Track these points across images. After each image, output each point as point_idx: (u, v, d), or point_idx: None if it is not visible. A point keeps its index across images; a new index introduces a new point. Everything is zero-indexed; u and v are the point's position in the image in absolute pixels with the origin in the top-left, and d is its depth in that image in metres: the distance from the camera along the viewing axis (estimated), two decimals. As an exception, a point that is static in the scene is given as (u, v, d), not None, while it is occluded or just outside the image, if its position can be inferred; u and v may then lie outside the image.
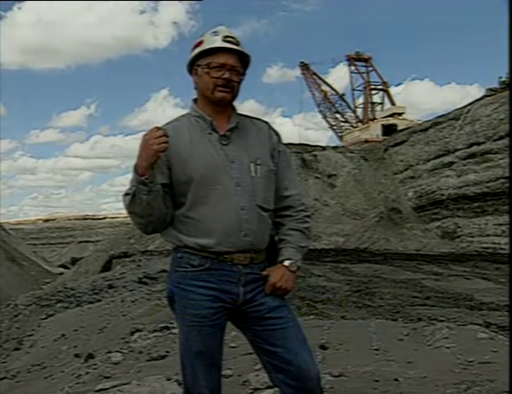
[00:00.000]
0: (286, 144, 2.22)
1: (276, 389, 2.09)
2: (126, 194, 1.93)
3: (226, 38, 2.00)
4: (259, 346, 2.04)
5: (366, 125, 50.22)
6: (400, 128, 40.68)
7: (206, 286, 1.97)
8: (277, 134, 2.16)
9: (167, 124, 2.08)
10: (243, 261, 1.99)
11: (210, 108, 2.05)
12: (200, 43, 2.04)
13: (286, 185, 2.12)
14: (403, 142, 33.86)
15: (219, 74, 1.98)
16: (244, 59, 2.05)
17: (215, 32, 2.03)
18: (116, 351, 5.29)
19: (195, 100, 2.12)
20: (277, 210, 2.11)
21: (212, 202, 1.96)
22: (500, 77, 33.62)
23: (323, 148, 36.70)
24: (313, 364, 2.03)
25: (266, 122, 2.17)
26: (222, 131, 2.03)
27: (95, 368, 4.87)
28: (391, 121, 45.71)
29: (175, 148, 1.98)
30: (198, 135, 2.03)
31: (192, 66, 2.07)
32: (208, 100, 2.04)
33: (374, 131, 45.08)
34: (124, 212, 2.08)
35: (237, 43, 2.02)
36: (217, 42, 2.00)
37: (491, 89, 31.46)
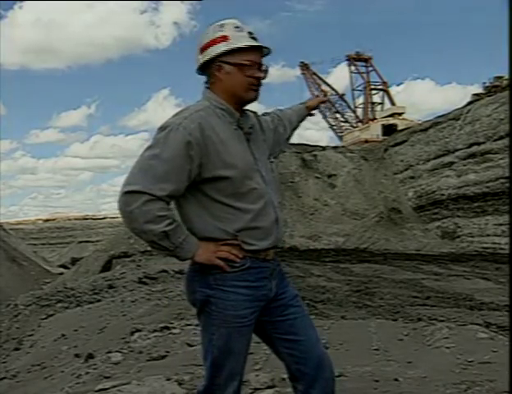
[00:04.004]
0: (286, 144, 2.25)
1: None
2: (149, 230, 1.79)
3: (251, 35, 1.93)
4: (280, 338, 2.03)
5: (366, 125, 50.19)
6: (400, 128, 40.67)
7: (246, 285, 1.94)
8: (264, 114, 2.23)
9: (191, 110, 1.90)
10: (271, 256, 2.01)
11: (233, 105, 1.96)
12: (225, 38, 1.91)
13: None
14: (403, 142, 33.82)
15: (251, 72, 1.92)
16: None
17: (237, 27, 1.93)
18: (116, 351, 5.28)
19: (209, 89, 1.99)
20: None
21: (252, 200, 1.92)
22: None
23: (323, 148, 36.67)
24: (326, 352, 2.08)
25: (254, 112, 2.13)
26: (246, 128, 1.99)
27: (95, 368, 4.86)
28: (391, 121, 45.71)
29: (210, 141, 1.86)
30: (228, 129, 1.92)
31: (213, 61, 1.93)
32: (234, 97, 1.95)
33: (374, 131, 45.05)
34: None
35: (257, 40, 1.97)
36: (246, 39, 1.91)
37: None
